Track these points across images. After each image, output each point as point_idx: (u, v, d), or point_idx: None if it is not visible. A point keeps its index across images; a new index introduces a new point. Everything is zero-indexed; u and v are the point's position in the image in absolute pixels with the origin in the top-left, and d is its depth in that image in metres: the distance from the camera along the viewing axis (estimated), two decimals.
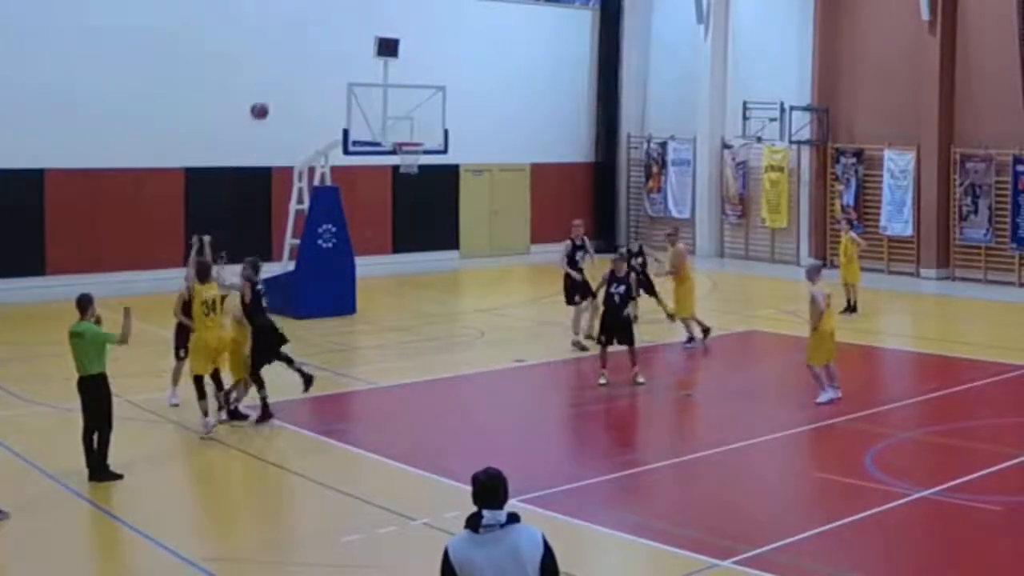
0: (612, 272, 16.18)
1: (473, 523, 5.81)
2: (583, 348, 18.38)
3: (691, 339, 19.06)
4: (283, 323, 19.07)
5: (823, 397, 15.10)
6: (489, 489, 5.85)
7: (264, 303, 14.36)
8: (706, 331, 19.26)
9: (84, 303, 12.25)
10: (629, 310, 16.39)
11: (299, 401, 15.74)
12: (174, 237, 26.09)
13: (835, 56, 28.82)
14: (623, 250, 17.15)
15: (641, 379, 16.12)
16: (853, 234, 22.59)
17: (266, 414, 14.08)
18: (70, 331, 12.10)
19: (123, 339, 12.04)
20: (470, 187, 30.95)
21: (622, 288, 16.10)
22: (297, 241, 22.06)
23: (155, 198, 25.78)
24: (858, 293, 21.99)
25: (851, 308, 21.73)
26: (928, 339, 20.97)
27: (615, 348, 16.17)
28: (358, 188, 26.31)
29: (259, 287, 14.34)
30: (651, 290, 20.20)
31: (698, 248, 31.66)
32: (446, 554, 5.84)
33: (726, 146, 31.08)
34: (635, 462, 13.31)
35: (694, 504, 11.79)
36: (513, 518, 5.84)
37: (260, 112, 20.15)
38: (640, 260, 20.27)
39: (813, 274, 15.59)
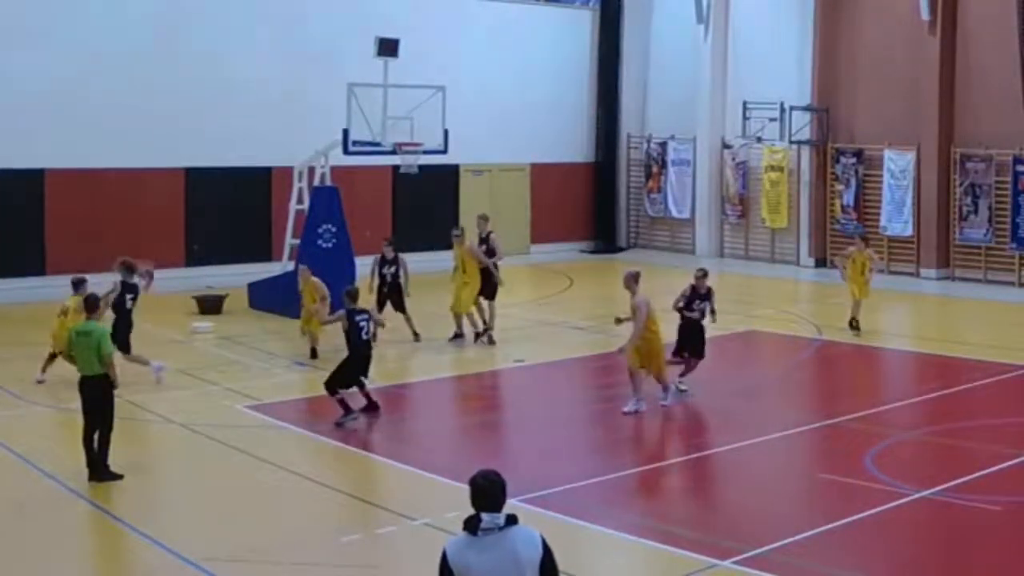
0: (694, 288, 16.07)
1: (471, 526, 5.79)
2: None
3: (457, 335, 19.33)
4: (283, 323, 19.21)
5: (630, 406, 14.68)
6: (487, 493, 5.83)
7: (363, 334, 14.64)
8: (478, 334, 19.37)
9: (91, 303, 12.26)
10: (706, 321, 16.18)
11: (299, 401, 15.77)
12: (174, 237, 26.16)
13: (835, 56, 28.82)
14: (703, 268, 16.73)
15: (684, 387, 15.87)
16: (871, 251, 21.31)
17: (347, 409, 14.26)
18: (76, 330, 12.09)
19: (113, 374, 12.08)
20: (470, 187, 30.95)
21: (704, 304, 16.02)
22: (297, 241, 22.05)
23: (155, 198, 25.79)
24: (862, 311, 20.61)
25: (855, 326, 20.37)
26: (928, 339, 20.96)
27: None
28: (358, 188, 26.30)
29: (359, 317, 14.63)
30: (401, 306, 19.44)
31: (698, 248, 31.69)
32: (444, 556, 5.83)
33: (726, 146, 31.07)
34: (635, 462, 13.32)
35: (694, 504, 11.79)
36: (511, 520, 5.82)
37: None
38: (393, 269, 19.45)
39: (632, 282, 14.88)
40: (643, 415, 14.64)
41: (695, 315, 15.97)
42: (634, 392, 14.77)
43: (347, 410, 14.19)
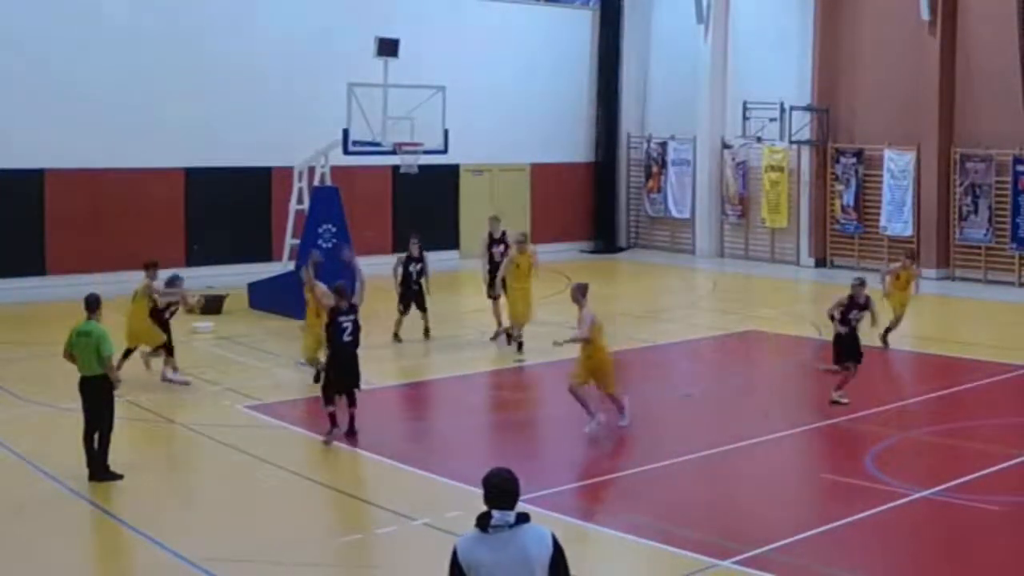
0: (852, 298, 15.46)
1: (482, 523, 5.81)
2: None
3: (507, 336, 19.08)
4: (283, 323, 19.22)
5: (592, 426, 13.89)
6: (500, 491, 5.85)
7: (345, 335, 14.00)
8: (509, 338, 19.15)
9: (93, 303, 12.25)
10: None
11: (299, 401, 15.76)
12: (174, 237, 26.16)
13: (835, 56, 28.82)
14: (860, 277, 16.13)
15: (845, 400, 15.23)
16: (916, 267, 20.54)
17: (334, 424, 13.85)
18: (76, 330, 12.08)
19: (113, 375, 12.18)
20: (470, 187, 30.96)
21: (863, 314, 15.46)
22: (297, 241, 22.05)
23: (155, 198, 25.79)
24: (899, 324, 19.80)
25: (886, 334, 19.34)
26: (928, 339, 20.94)
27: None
28: (358, 188, 26.32)
29: (342, 318, 13.96)
30: (422, 305, 19.38)
31: (698, 248, 31.70)
32: (454, 553, 5.84)
33: (726, 146, 31.07)
34: (635, 462, 13.31)
35: (694, 504, 11.78)
36: (523, 518, 5.84)
37: None
38: (419, 267, 19.34)
39: (579, 295, 14.00)
40: (643, 416, 14.61)
41: (844, 329, 15.19)
42: (585, 410, 13.94)
43: (333, 424, 13.76)
